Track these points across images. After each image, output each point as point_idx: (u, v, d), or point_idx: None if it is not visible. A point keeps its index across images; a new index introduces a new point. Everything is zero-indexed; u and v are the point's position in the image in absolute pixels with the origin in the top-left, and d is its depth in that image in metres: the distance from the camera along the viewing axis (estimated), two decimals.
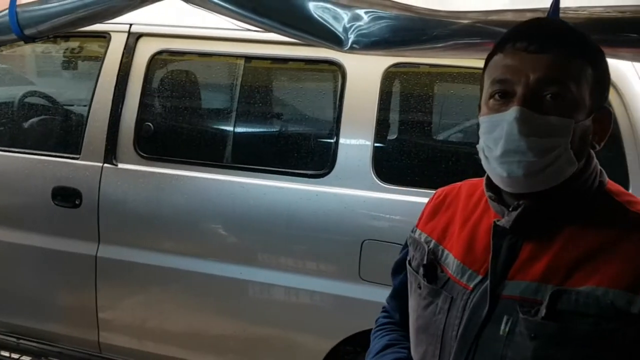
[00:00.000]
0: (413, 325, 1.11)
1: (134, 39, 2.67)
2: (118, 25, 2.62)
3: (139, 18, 2.62)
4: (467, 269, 1.02)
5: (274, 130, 2.69)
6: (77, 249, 2.68)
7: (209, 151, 2.63)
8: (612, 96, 2.12)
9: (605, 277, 0.89)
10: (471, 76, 2.30)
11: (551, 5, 1.29)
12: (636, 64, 2.18)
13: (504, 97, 0.96)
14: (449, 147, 2.51)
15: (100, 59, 2.72)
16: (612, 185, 1.02)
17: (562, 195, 0.96)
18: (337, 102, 2.41)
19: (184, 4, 1.55)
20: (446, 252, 1.07)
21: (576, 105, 0.94)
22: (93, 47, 2.90)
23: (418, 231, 1.16)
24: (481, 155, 1.00)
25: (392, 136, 2.47)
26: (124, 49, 2.67)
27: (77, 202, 2.65)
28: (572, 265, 0.92)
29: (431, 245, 1.10)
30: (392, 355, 1.17)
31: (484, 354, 0.96)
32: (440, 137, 2.60)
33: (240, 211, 2.46)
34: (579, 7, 1.29)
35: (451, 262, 1.05)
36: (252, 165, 2.51)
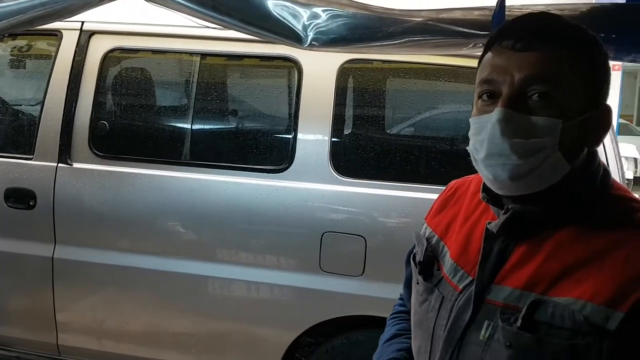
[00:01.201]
0: (412, 318, 1.11)
1: (86, 36, 2.64)
2: (70, 23, 2.58)
3: (91, 15, 2.59)
4: (459, 269, 0.99)
5: (233, 126, 2.72)
6: (33, 251, 2.64)
7: (167, 149, 2.63)
8: None
9: (588, 290, 0.84)
10: (422, 71, 2.39)
11: (497, 3, 1.37)
12: None
13: (491, 97, 0.92)
14: (403, 141, 2.60)
15: (51, 58, 2.68)
16: (618, 187, 0.95)
17: (555, 198, 0.91)
18: (294, 98, 2.45)
19: (145, 2, 1.55)
20: (445, 249, 1.05)
21: (566, 105, 0.88)
22: (44, 45, 2.85)
23: (425, 225, 1.14)
24: (472, 157, 0.96)
25: (348, 130, 2.53)
26: (76, 47, 2.64)
27: (31, 203, 2.61)
28: (559, 273, 0.88)
29: (433, 241, 1.08)
30: (396, 345, 1.19)
31: (465, 355, 0.95)
32: (394, 130, 2.68)
33: (200, 208, 2.48)
34: (523, 5, 1.37)
35: (447, 260, 1.03)
36: (211, 162, 2.53)
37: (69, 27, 2.63)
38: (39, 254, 2.63)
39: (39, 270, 2.64)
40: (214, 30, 2.37)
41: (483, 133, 0.91)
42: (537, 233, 0.92)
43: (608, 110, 0.93)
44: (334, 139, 2.41)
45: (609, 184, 0.94)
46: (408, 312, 1.20)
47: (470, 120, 0.95)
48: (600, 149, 2.27)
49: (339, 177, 2.38)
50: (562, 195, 0.91)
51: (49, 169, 2.60)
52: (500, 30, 0.95)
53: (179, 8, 1.50)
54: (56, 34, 2.67)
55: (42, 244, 2.62)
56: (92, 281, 2.63)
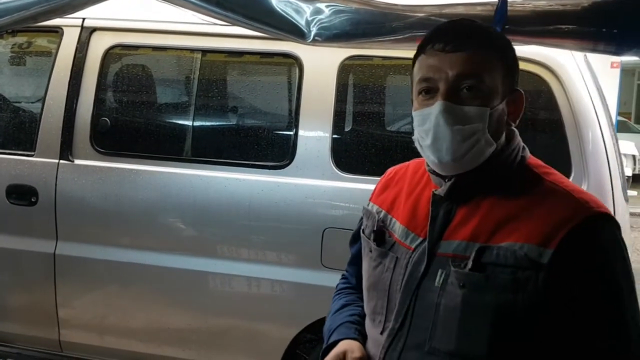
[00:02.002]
0: (365, 284, 1.27)
1: (87, 33, 2.65)
2: (71, 20, 2.59)
3: (92, 12, 2.60)
4: (410, 233, 1.18)
5: (234, 122, 2.72)
6: (35, 247, 2.64)
7: (168, 145, 2.64)
8: (554, 86, 2.26)
9: (521, 235, 1.05)
10: None
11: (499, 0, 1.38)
12: (575, 54, 2.32)
13: (429, 92, 1.10)
14: (403, 137, 2.61)
15: (52, 54, 2.68)
16: (533, 159, 1.17)
17: (487, 168, 1.11)
18: (295, 95, 2.46)
19: None
20: (394, 220, 1.23)
21: (490, 94, 1.08)
22: (45, 42, 2.85)
23: (371, 204, 1.32)
24: (417, 145, 1.15)
25: (349, 127, 2.54)
26: (78, 43, 2.64)
27: (33, 200, 2.61)
28: (495, 226, 1.08)
29: (381, 215, 1.26)
30: (348, 312, 1.33)
31: (423, 303, 1.12)
32: (395, 126, 2.69)
33: (202, 204, 2.48)
34: (525, 0, 1.38)
35: (397, 227, 1.21)
36: (212, 158, 2.54)
37: (70, 24, 2.64)
38: (41, 251, 2.64)
39: (41, 266, 2.65)
40: (215, 26, 2.38)
41: (427, 123, 1.09)
42: (473, 197, 1.12)
43: (521, 94, 1.14)
44: (335, 136, 2.42)
45: (526, 157, 1.16)
46: (352, 287, 1.41)
47: (414, 113, 1.13)
48: (600, 146, 2.26)
49: (340, 173, 2.39)
50: (492, 166, 1.11)
51: (51, 166, 2.61)
52: (430, 36, 1.12)
53: (183, 4, 1.51)
54: (57, 31, 2.67)
55: (44, 241, 2.63)
56: (94, 277, 2.64)
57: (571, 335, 1.04)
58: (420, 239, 1.15)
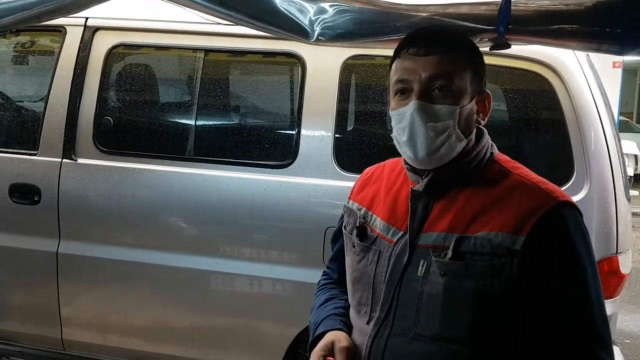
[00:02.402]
0: (349, 278, 1.34)
1: (90, 32, 2.65)
2: (74, 19, 2.60)
3: (95, 11, 2.60)
4: (391, 227, 1.26)
5: (236, 122, 2.73)
6: (38, 246, 2.65)
7: (171, 144, 2.64)
8: (556, 85, 2.26)
9: (496, 225, 1.14)
10: None
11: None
12: (578, 54, 2.32)
13: (404, 93, 1.20)
14: None
15: (55, 54, 2.69)
16: (501, 155, 1.28)
17: (460, 164, 1.21)
18: (298, 94, 2.46)
19: None
20: (374, 216, 1.31)
21: (459, 93, 1.18)
22: (48, 41, 2.86)
23: (351, 202, 1.40)
24: (395, 142, 1.24)
25: (351, 126, 2.55)
26: (81, 43, 2.65)
27: (35, 199, 2.62)
28: (471, 217, 1.17)
29: (362, 211, 1.34)
30: (332, 305, 1.40)
31: (406, 292, 1.20)
32: None
33: (204, 203, 2.49)
34: (528, 0, 1.38)
35: (378, 223, 1.29)
36: (215, 158, 2.54)
37: (73, 23, 2.65)
38: (44, 249, 2.64)
39: (44, 265, 2.65)
40: (218, 26, 2.38)
41: (403, 122, 1.19)
42: (449, 192, 1.21)
43: (488, 95, 1.25)
44: (337, 135, 2.42)
45: (495, 153, 1.26)
46: (335, 282, 1.49)
47: (391, 113, 1.23)
48: (603, 145, 2.26)
49: (342, 172, 2.39)
50: (464, 162, 1.21)
51: (54, 165, 2.61)
52: (404, 41, 1.23)
53: (186, 3, 1.51)
54: (60, 30, 2.68)
55: (47, 239, 2.64)
56: (97, 276, 2.64)
57: (542, 313, 1.13)
58: (401, 232, 1.24)
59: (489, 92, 1.25)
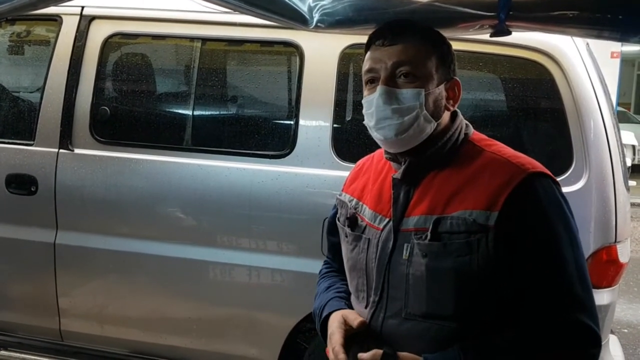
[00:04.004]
0: (346, 267, 1.42)
1: (86, 21, 2.63)
2: (69, 8, 2.57)
3: (91, 0, 2.59)
4: (377, 215, 1.34)
5: (234, 112, 2.71)
6: (35, 237, 2.64)
7: (168, 134, 2.63)
8: (556, 74, 2.25)
9: (470, 203, 1.20)
10: None
11: None
12: (578, 43, 2.31)
13: (373, 82, 1.29)
14: None
15: (51, 43, 2.67)
16: (477, 135, 1.33)
17: (434, 149, 1.28)
18: (296, 83, 2.45)
19: None
20: (364, 206, 1.38)
21: (425, 78, 1.25)
22: (43, 30, 2.83)
23: (343, 194, 1.47)
24: (367, 127, 1.31)
25: (350, 116, 2.54)
26: (77, 32, 2.63)
27: (32, 189, 2.61)
28: (448, 198, 1.23)
29: (353, 202, 1.41)
30: (334, 290, 1.48)
31: (395, 275, 1.28)
32: None
33: (202, 193, 2.48)
34: None
35: (367, 212, 1.37)
36: (213, 148, 2.53)
37: (69, 12, 2.62)
38: (41, 240, 2.63)
39: (41, 256, 2.65)
40: (215, 14, 2.36)
41: (372, 107, 1.27)
42: (426, 176, 1.28)
43: (457, 82, 1.32)
44: (335, 124, 2.41)
45: (469, 133, 1.32)
46: (335, 270, 1.56)
47: (362, 101, 1.31)
48: (602, 135, 2.25)
49: (340, 162, 2.38)
50: (437, 146, 1.28)
51: (50, 155, 2.60)
52: (373, 34, 1.32)
53: None
54: (56, 19, 2.66)
55: (44, 230, 2.63)
56: (94, 267, 2.64)
57: (518, 283, 1.18)
58: (387, 219, 1.31)
59: (457, 79, 1.32)
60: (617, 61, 9.39)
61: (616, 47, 8.90)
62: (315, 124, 2.42)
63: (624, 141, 9.59)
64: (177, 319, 2.59)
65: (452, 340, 1.21)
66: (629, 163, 9.12)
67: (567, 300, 1.17)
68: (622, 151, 2.47)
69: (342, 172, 2.36)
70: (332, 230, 1.55)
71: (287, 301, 2.46)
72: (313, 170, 2.39)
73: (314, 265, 2.39)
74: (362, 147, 2.41)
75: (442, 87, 1.28)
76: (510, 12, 1.33)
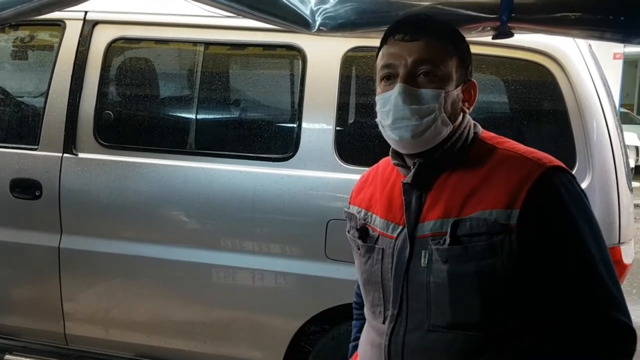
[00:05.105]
0: (360, 281, 1.34)
1: (89, 26, 2.64)
2: (73, 13, 2.59)
3: (94, 5, 2.59)
4: (390, 224, 1.26)
5: (238, 115, 2.72)
6: (39, 241, 2.65)
7: (172, 138, 2.63)
8: (558, 76, 2.25)
9: (488, 202, 1.14)
10: None
11: None
12: (580, 44, 2.31)
13: (390, 78, 1.21)
14: None
15: (55, 48, 2.68)
16: (486, 133, 1.27)
17: (444, 150, 1.21)
18: (299, 87, 2.45)
19: None
20: (374, 216, 1.31)
21: (445, 79, 1.19)
22: (47, 35, 2.85)
23: (350, 206, 1.40)
24: (380, 127, 1.24)
25: (352, 118, 2.54)
26: (80, 37, 2.64)
27: (37, 194, 2.61)
28: (463, 199, 1.17)
29: (362, 214, 1.34)
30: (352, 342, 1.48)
31: (414, 285, 1.20)
32: None
33: (206, 197, 2.48)
34: None
35: (378, 221, 1.29)
36: (216, 151, 2.54)
37: (72, 17, 2.63)
38: (46, 244, 2.64)
39: (46, 260, 2.65)
40: (218, 19, 2.37)
41: (388, 105, 1.19)
42: (438, 179, 1.21)
43: (474, 83, 1.26)
44: (338, 127, 2.41)
45: (479, 132, 1.26)
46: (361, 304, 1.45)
47: (377, 98, 1.23)
48: (605, 136, 2.25)
49: (343, 164, 2.38)
50: (448, 147, 1.21)
51: (55, 159, 2.61)
52: (391, 28, 1.24)
53: None
54: (59, 24, 2.67)
55: (48, 234, 2.64)
56: (99, 270, 2.64)
57: (548, 285, 1.12)
58: (400, 227, 1.23)
59: (474, 81, 1.26)
60: (620, 62, 9.39)
61: (619, 48, 8.90)
62: (318, 127, 2.42)
63: (627, 142, 9.57)
64: (182, 322, 2.59)
65: (481, 351, 1.15)
66: (632, 164, 9.10)
67: (599, 298, 1.11)
68: (625, 152, 2.47)
69: (345, 174, 2.37)
70: None
71: (291, 304, 2.47)
72: (316, 173, 2.39)
73: (318, 268, 2.42)
74: (365, 150, 2.42)
75: (459, 88, 1.22)
76: (512, 14, 1.34)
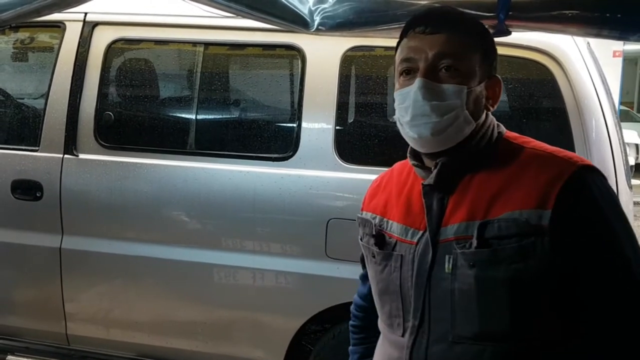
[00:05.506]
0: (375, 291, 1.25)
1: (89, 27, 2.65)
2: (72, 14, 2.59)
3: (94, 6, 2.60)
4: (409, 229, 1.18)
5: (237, 115, 2.73)
6: (41, 242, 2.66)
7: (172, 138, 2.64)
8: (557, 74, 2.26)
9: (517, 203, 1.07)
10: None
11: None
12: (578, 42, 2.32)
13: (409, 73, 1.14)
14: None
15: (55, 50, 2.69)
16: (510, 133, 1.21)
17: (467, 150, 1.14)
18: (298, 86, 2.46)
19: None
20: (390, 221, 1.23)
21: (468, 74, 1.12)
22: (47, 37, 2.85)
23: (364, 212, 1.31)
24: (398, 124, 1.17)
25: (352, 118, 2.55)
26: (80, 38, 2.64)
27: (38, 195, 2.62)
28: (489, 200, 1.09)
29: (376, 220, 1.25)
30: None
31: (437, 293, 1.12)
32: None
33: (206, 197, 2.49)
34: None
35: (395, 227, 1.21)
36: (216, 151, 2.55)
37: (72, 19, 2.64)
38: (47, 245, 2.65)
39: (47, 261, 2.66)
40: (218, 19, 2.38)
41: (407, 101, 1.13)
42: (461, 180, 1.14)
43: (499, 80, 1.19)
44: (338, 127, 2.42)
45: (502, 132, 1.19)
46: (361, 324, 1.42)
47: (395, 94, 1.16)
48: (604, 134, 2.25)
49: (343, 164, 2.39)
50: (471, 147, 1.14)
51: (55, 161, 2.62)
52: (411, 20, 1.17)
53: None
54: (59, 26, 2.67)
55: (50, 235, 2.64)
56: (100, 271, 2.65)
57: (584, 290, 1.06)
58: (421, 231, 1.16)
59: (499, 77, 1.20)
60: (620, 60, 9.39)
61: (618, 46, 8.91)
62: (317, 126, 2.43)
63: (628, 140, 9.60)
64: (183, 321, 2.60)
65: None
66: (632, 162, 9.11)
67: (638, 302, 1.05)
68: (624, 150, 2.48)
69: (344, 174, 2.38)
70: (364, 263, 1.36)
71: (292, 303, 2.47)
72: (316, 173, 2.40)
73: (318, 267, 2.42)
74: (364, 149, 2.43)
75: (483, 85, 1.15)
76: (510, 12, 1.34)
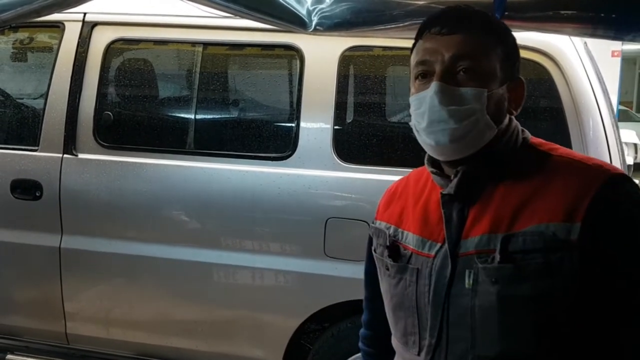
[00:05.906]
0: (388, 306, 1.18)
1: (88, 28, 2.65)
2: (72, 15, 2.60)
3: (93, 6, 2.61)
4: (426, 241, 1.10)
5: (236, 115, 2.74)
6: (40, 241, 2.66)
7: (171, 138, 2.65)
8: (554, 73, 2.27)
9: (544, 215, 0.99)
10: None
11: None
12: (575, 42, 2.33)
13: (425, 77, 1.07)
14: (404, 126, 2.61)
15: (54, 50, 2.70)
16: (535, 139, 1.12)
17: (490, 157, 1.07)
18: (297, 86, 2.47)
19: None
20: (405, 232, 1.15)
21: (488, 77, 1.04)
22: (46, 37, 2.86)
23: (377, 222, 1.24)
24: (414, 131, 1.10)
25: (350, 117, 2.56)
26: (79, 38, 2.65)
27: (37, 194, 2.63)
28: (514, 212, 1.02)
29: (391, 230, 1.18)
30: None
31: (456, 310, 1.04)
32: (396, 117, 2.70)
33: (205, 196, 2.50)
34: None
35: (411, 238, 1.13)
36: (215, 151, 2.56)
37: (71, 19, 2.65)
38: (46, 244, 2.66)
39: (47, 260, 2.66)
40: (216, 19, 2.39)
41: (423, 106, 1.05)
42: (483, 190, 1.06)
43: (522, 82, 1.10)
44: (336, 126, 2.43)
45: (528, 138, 1.11)
46: (371, 339, 1.33)
47: (410, 99, 1.09)
48: (601, 133, 2.26)
49: (342, 163, 2.40)
50: (494, 154, 1.07)
51: (55, 160, 2.62)
52: (427, 21, 1.10)
53: None
54: (58, 26, 2.68)
55: (49, 235, 2.65)
56: (99, 270, 2.66)
57: (615, 308, 0.99)
58: (439, 244, 1.08)
59: (522, 78, 1.11)
60: (618, 60, 9.39)
61: (617, 45, 8.91)
62: (316, 126, 2.44)
63: (627, 140, 9.61)
64: (183, 321, 2.61)
65: None
66: (631, 161, 9.11)
67: None
68: (622, 150, 2.49)
69: (343, 173, 2.39)
70: (367, 274, 1.31)
71: (291, 302, 2.48)
72: (315, 172, 2.41)
73: (317, 266, 2.43)
74: (363, 149, 2.44)
75: (504, 87, 1.07)
76: (506, 13, 1.35)
